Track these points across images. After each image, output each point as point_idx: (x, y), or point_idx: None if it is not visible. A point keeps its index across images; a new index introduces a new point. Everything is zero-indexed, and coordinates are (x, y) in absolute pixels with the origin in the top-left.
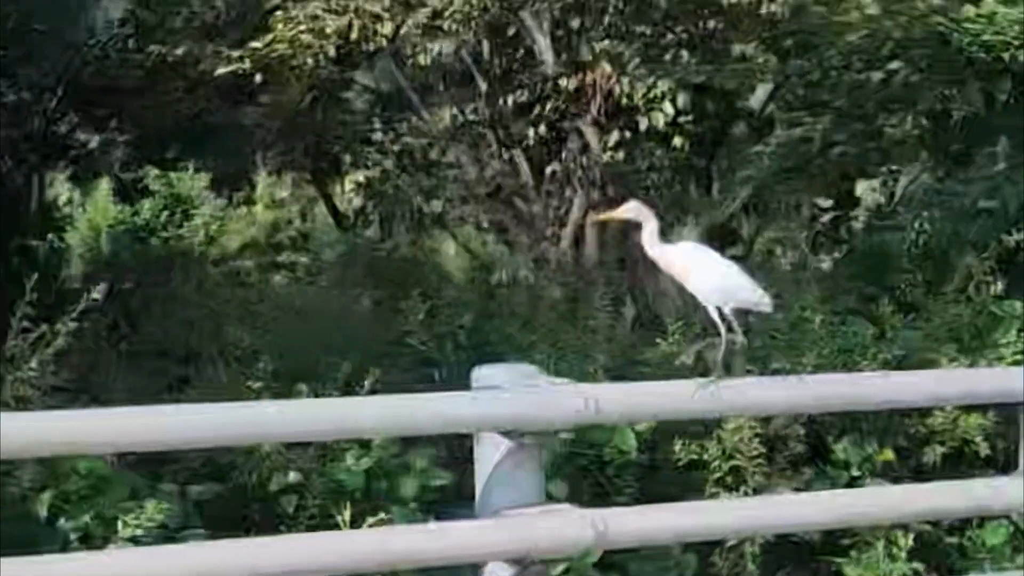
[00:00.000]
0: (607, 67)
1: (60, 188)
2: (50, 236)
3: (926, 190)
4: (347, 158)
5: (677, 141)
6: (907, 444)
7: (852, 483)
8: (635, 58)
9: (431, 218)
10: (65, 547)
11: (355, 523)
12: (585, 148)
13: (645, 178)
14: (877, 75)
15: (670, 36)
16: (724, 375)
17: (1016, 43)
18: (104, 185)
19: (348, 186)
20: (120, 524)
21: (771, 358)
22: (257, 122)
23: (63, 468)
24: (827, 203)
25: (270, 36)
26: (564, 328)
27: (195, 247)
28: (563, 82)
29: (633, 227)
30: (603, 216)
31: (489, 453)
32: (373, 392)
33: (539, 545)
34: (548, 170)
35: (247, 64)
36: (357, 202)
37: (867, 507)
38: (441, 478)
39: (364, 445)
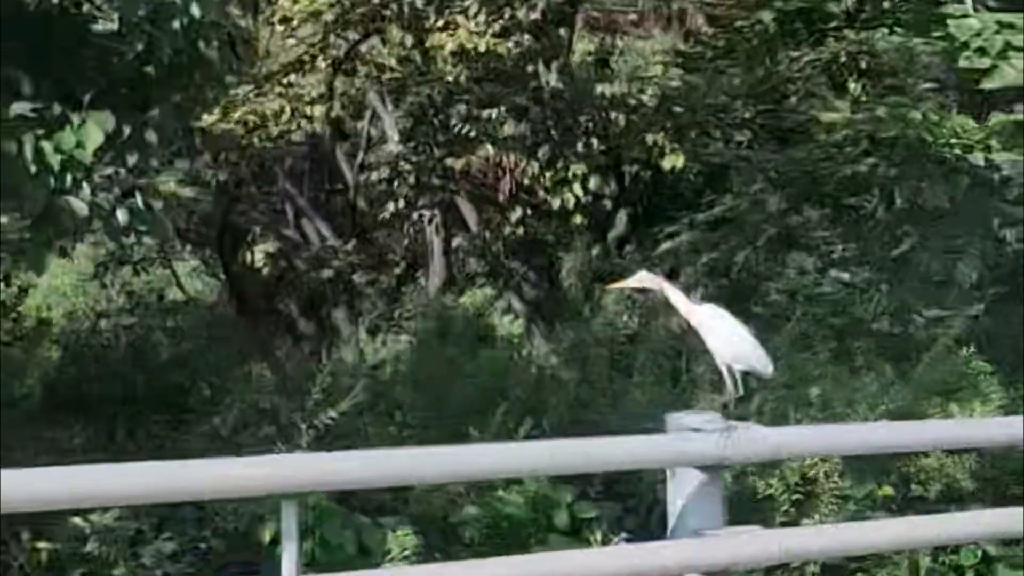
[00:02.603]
0: (490, 149)
1: None
2: None
3: (890, 263)
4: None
5: (578, 219)
6: (900, 482)
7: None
8: (538, 145)
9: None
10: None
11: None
12: (444, 226)
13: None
14: (862, 168)
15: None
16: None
17: (978, 147)
18: None
19: (258, 255)
20: (395, 548)
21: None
22: None
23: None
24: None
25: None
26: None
27: None
28: (449, 162)
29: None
30: (617, 284)
31: (684, 485)
32: (527, 437)
33: (735, 560)
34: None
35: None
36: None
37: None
38: (589, 511)
39: (516, 482)
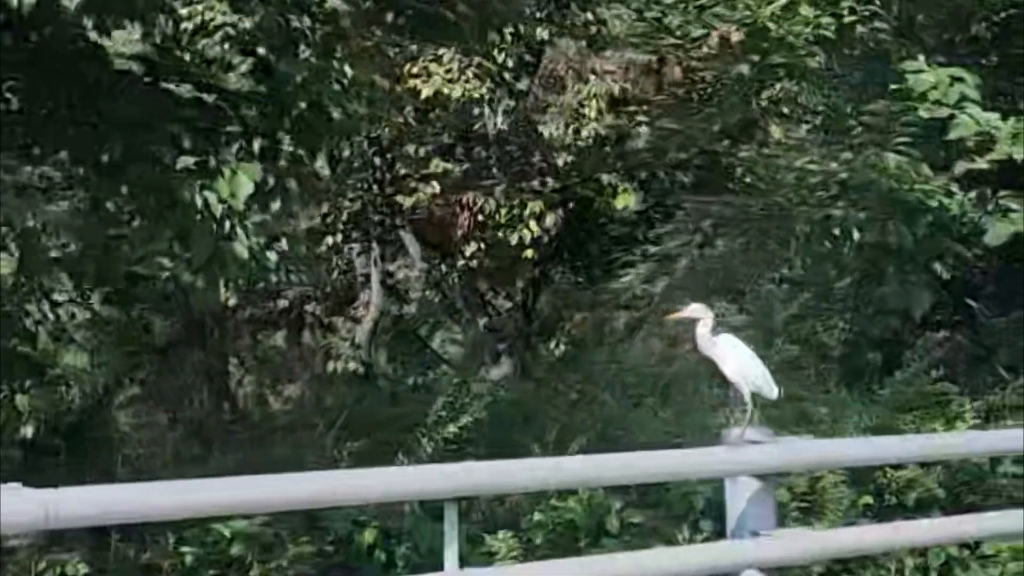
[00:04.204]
0: (436, 185)
1: None
2: None
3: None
4: None
5: (529, 253)
6: (879, 491)
7: None
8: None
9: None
10: (383, 572)
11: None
12: (383, 259)
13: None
14: (836, 212)
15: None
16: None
17: (939, 192)
18: None
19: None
20: (503, 550)
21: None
22: None
23: (384, 508)
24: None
25: None
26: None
27: None
28: (399, 198)
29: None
30: (674, 316)
31: (742, 491)
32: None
33: (783, 559)
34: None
35: None
36: None
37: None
38: (636, 516)
39: (571, 491)
